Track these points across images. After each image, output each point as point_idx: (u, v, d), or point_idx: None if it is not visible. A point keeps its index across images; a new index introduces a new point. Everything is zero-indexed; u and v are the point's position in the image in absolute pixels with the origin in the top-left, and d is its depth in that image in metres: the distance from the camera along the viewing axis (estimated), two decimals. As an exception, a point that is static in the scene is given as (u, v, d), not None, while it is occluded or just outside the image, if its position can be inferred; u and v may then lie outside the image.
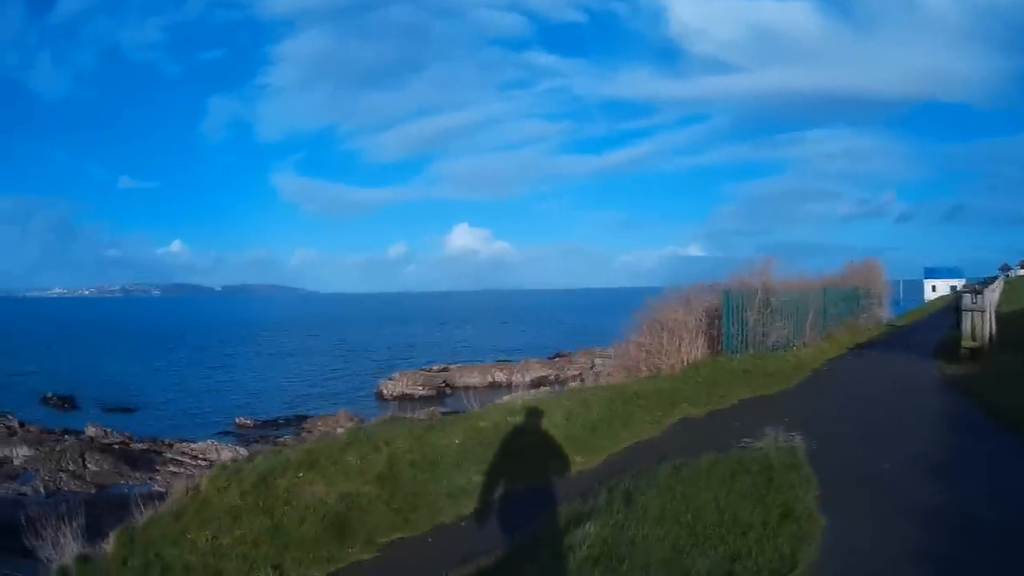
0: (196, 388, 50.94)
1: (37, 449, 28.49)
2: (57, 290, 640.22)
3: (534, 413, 9.75)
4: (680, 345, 15.95)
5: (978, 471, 7.46)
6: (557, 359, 62.86)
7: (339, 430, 38.24)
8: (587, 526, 5.97)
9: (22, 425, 33.40)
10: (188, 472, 27.64)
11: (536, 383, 55.96)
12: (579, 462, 8.68)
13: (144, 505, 6.99)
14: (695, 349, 15.96)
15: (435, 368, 61.63)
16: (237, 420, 40.87)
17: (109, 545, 6.21)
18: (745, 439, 8.87)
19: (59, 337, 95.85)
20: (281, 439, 36.87)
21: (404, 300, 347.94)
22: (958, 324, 17.97)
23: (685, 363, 15.32)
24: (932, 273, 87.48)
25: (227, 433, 37.61)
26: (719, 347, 16.04)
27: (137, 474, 26.38)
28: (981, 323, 15.67)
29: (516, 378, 57.85)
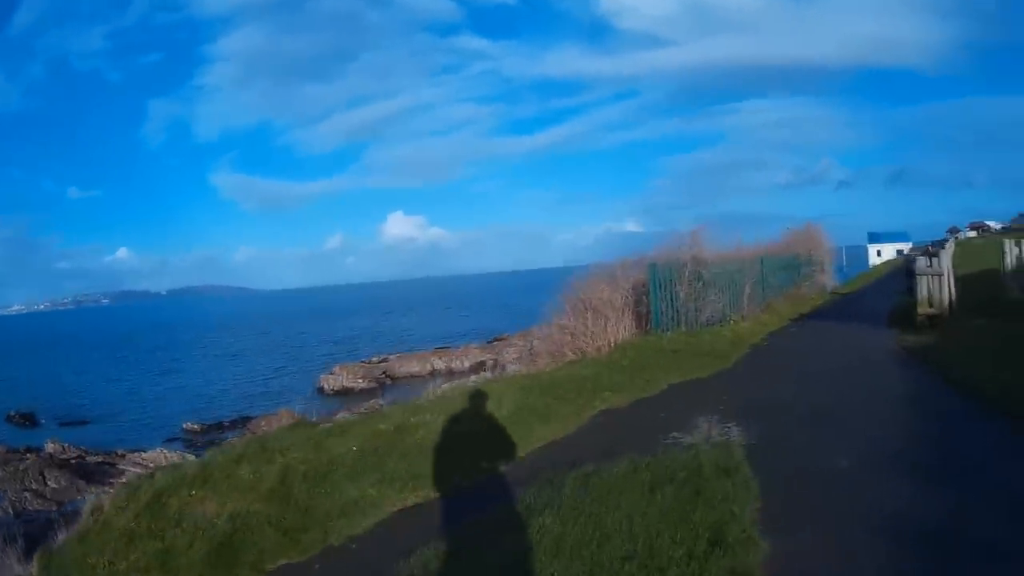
0: (146, 396, 50.32)
1: (3, 469, 27.96)
2: (16, 307, 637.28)
3: (440, 412, 8.51)
4: (606, 325, 14.47)
5: (962, 468, 5.80)
6: (496, 343, 62.26)
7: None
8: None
9: None
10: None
11: (475, 368, 54.76)
12: (484, 468, 7.10)
13: (67, 525, 6.71)
14: (622, 329, 14.47)
15: (375, 359, 60.31)
16: (184, 426, 39.65)
17: (34, 568, 5.97)
18: (674, 433, 7.30)
19: (18, 354, 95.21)
20: (228, 442, 35.19)
21: (346, 292, 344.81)
22: (910, 289, 16.80)
23: (612, 345, 13.88)
24: (876, 238, 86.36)
25: (176, 439, 36.76)
26: (648, 326, 14.58)
27: (92, 488, 25.24)
28: (939, 287, 14.18)
29: (456, 364, 56.91)
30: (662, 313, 14.43)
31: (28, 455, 30.85)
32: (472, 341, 62.84)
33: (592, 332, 14.29)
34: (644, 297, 14.73)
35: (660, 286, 14.47)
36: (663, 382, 10.24)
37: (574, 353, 14.10)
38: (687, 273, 14.93)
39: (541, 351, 15.66)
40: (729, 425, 7.41)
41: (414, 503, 6.52)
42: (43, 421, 43.89)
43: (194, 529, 6.10)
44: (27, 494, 25.28)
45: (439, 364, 57.99)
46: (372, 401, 45.62)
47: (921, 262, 14.83)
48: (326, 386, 53.42)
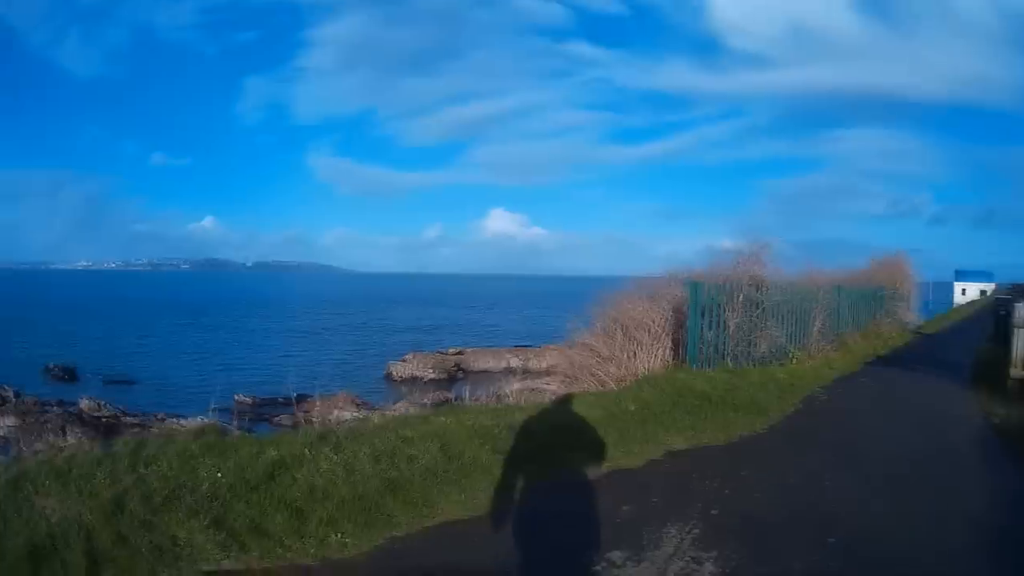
0: (207, 365, 49.36)
1: (23, 420, 27.62)
2: (83, 263, 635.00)
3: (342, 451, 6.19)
4: (636, 352, 11.88)
5: None
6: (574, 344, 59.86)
7: (335, 412, 34.36)
8: None
9: (17, 395, 32.80)
10: None
11: (552, 370, 52.39)
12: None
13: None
14: (654, 358, 11.84)
15: (451, 351, 58.77)
16: (236, 397, 38.58)
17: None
18: (614, 553, 4.53)
19: (80, 309, 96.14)
20: (277, 417, 34.40)
21: (437, 282, 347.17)
22: (997, 337, 13.81)
23: (641, 374, 11.30)
24: (962, 275, 79.95)
25: (224, 410, 35.26)
26: (686, 354, 11.89)
27: None
28: (1039, 345, 10.47)
29: (532, 363, 54.69)
30: (702, 343, 11.60)
31: (54, 408, 30.41)
32: (552, 342, 60.53)
33: (617, 358, 11.75)
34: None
35: (703, 310, 11.72)
36: (662, 444, 7.34)
37: (593, 381, 11.61)
38: (740, 296, 12.15)
39: (559, 372, 13.23)
40: (704, 557, 4.57)
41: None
42: (85, 377, 43.27)
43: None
44: (40, 447, 24.40)
45: (515, 362, 55.84)
46: (437, 392, 43.96)
47: (1021, 311, 11.21)
48: (394, 373, 52.08)
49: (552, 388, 12.56)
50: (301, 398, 41.75)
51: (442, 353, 57.51)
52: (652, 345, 11.76)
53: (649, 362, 11.54)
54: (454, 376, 52.42)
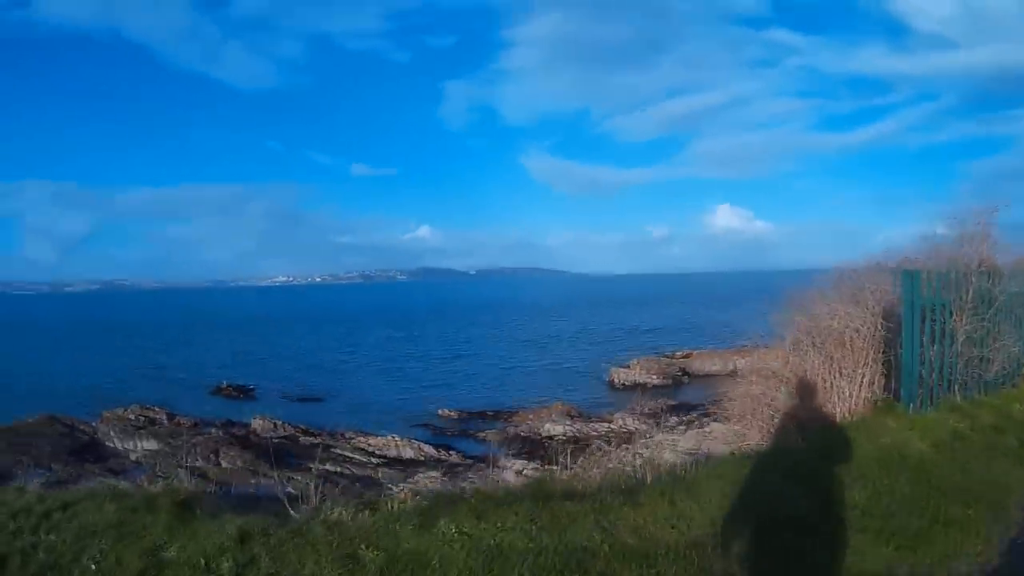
0: (413, 376, 48.44)
1: (167, 442, 27.09)
2: (280, 278, 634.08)
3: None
4: (835, 378, 8.47)
5: None
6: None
7: (547, 425, 32.22)
8: None
9: (172, 417, 32.32)
10: (346, 471, 24.30)
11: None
12: None
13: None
14: (857, 389, 8.36)
15: (677, 354, 55.72)
16: (439, 411, 37.80)
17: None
18: None
19: (271, 323, 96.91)
20: (482, 433, 32.88)
21: (667, 281, 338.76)
22: None
23: (844, 415, 7.98)
24: None
25: (425, 426, 34.70)
26: (897, 387, 8.27)
27: (276, 473, 23.29)
28: None
29: (757, 365, 50.17)
30: (921, 366, 8.00)
31: (213, 429, 29.17)
32: (773, 341, 55.72)
33: (808, 389, 8.41)
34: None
35: (922, 313, 8.07)
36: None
37: (766, 425, 8.38)
38: (970, 291, 8.37)
39: (732, 412, 9.93)
40: None
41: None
42: (263, 395, 41.88)
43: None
44: (180, 471, 23.24)
45: (740, 363, 51.37)
46: (660, 400, 40.89)
47: None
48: (616, 379, 49.67)
49: (715, 433, 9.50)
50: (512, 411, 40.18)
51: (668, 357, 54.40)
52: (854, 370, 8.33)
53: (851, 397, 8.16)
54: (679, 381, 49.12)
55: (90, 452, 27.14)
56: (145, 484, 24.25)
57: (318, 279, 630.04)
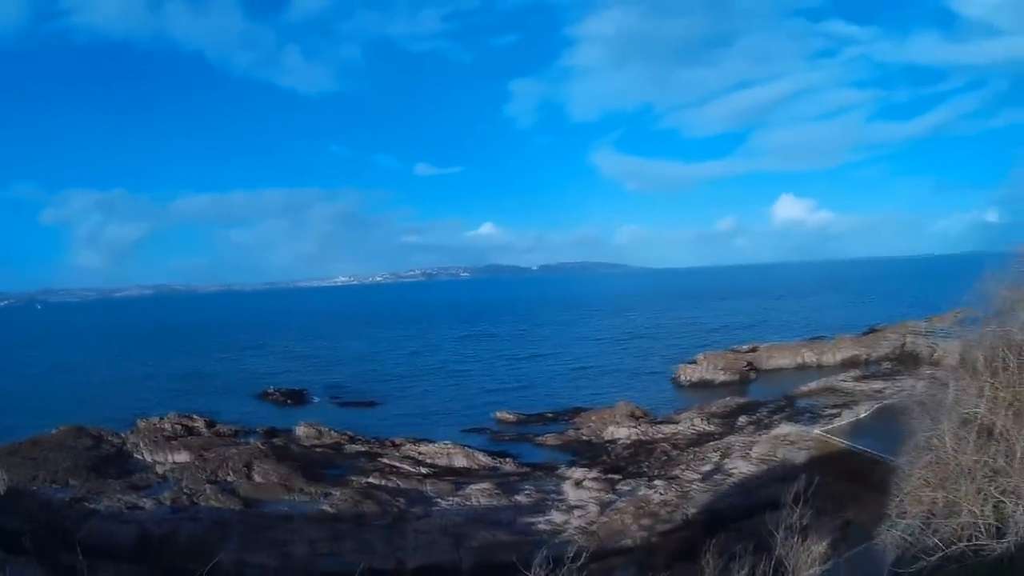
0: (474, 378, 47.47)
1: (199, 455, 26.13)
2: (341, 278, 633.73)
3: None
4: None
5: None
6: (870, 335, 53.47)
7: (610, 428, 31.67)
8: None
9: (211, 425, 31.46)
10: (391, 484, 23.60)
11: (846, 364, 46.14)
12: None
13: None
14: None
15: (743, 348, 54.85)
16: (496, 415, 37.28)
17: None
18: None
19: (329, 324, 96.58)
20: (541, 438, 32.13)
21: (733, 273, 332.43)
22: None
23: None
24: None
25: (481, 431, 34.18)
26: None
27: (313, 488, 22.81)
28: None
29: (826, 358, 48.61)
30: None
31: (250, 440, 28.19)
32: (845, 332, 54.04)
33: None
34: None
35: None
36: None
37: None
38: None
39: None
40: None
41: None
42: (313, 399, 40.99)
43: None
44: (209, 486, 22.51)
45: (809, 357, 50.39)
46: (728, 399, 39.65)
47: None
48: (683, 377, 48.84)
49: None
50: (574, 412, 39.32)
51: (734, 351, 53.59)
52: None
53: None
54: (746, 377, 48.14)
55: (114, 465, 26.85)
56: (168, 502, 23.75)
57: (379, 278, 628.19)
